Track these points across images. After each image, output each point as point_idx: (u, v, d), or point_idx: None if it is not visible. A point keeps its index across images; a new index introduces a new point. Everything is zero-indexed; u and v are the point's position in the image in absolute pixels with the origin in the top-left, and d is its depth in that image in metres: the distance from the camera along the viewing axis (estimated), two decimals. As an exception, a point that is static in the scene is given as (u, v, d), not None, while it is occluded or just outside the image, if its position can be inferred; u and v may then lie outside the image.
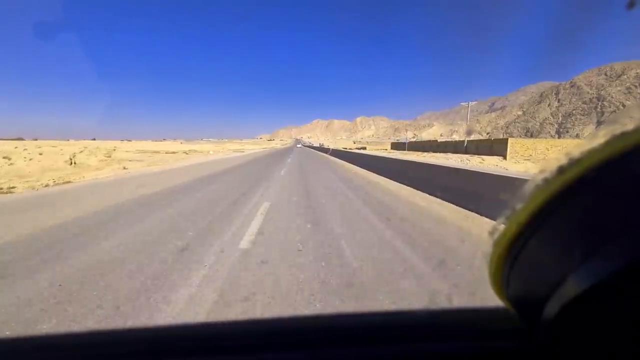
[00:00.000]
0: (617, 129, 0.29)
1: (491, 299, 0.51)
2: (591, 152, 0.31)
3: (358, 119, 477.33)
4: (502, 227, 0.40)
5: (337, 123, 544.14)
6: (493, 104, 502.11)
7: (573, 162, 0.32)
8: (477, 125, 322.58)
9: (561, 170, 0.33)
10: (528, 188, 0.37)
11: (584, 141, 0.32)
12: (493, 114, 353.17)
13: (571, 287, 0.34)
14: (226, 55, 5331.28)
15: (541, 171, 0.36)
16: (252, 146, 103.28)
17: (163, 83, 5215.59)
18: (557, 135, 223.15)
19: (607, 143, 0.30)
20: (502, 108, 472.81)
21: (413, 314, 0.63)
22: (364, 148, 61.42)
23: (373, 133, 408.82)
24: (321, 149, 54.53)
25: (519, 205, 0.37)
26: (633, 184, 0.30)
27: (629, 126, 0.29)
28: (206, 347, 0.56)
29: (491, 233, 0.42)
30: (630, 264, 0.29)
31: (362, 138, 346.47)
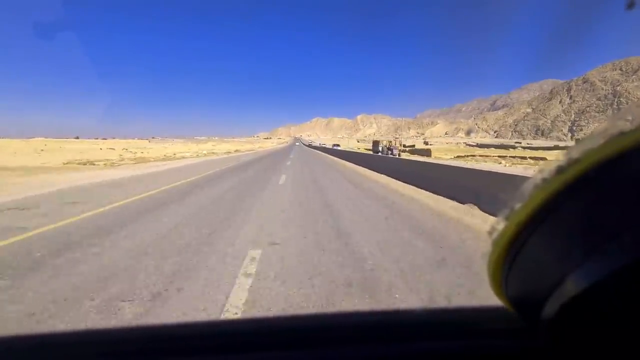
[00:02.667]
0: (616, 129, 0.30)
1: (491, 298, 0.51)
2: (590, 152, 0.31)
3: (359, 117, 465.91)
4: (501, 227, 0.40)
5: (337, 121, 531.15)
6: (495, 102, 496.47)
7: (572, 162, 0.32)
8: (484, 123, 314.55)
9: (560, 170, 0.33)
10: (527, 188, 0.37)
11: (583, 141, 0.32)
12: (500, 112, 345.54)
13: (570, 287, 0.34)
14: (226, 54, 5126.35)
15: (540, 171, 0.36)
16: (233, 146, 74.21)
17: (160, 82, 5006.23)
18: (570, 134, 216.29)
19: (606, 143, 0.30)
20: (505, 106, 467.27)
21: (412, 313, 0.64)
22: (428, 150, 38.22)
23: (375, 131, 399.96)
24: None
25: (517, 205, 0.38)
26: (632, 183, 0.30)
27: (628, 126, 0.29)
28: (206, 346, 0.56)
29: (490, 233, 0.42)
30: (629, 263, 0.29)
31: (365, 137, 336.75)
